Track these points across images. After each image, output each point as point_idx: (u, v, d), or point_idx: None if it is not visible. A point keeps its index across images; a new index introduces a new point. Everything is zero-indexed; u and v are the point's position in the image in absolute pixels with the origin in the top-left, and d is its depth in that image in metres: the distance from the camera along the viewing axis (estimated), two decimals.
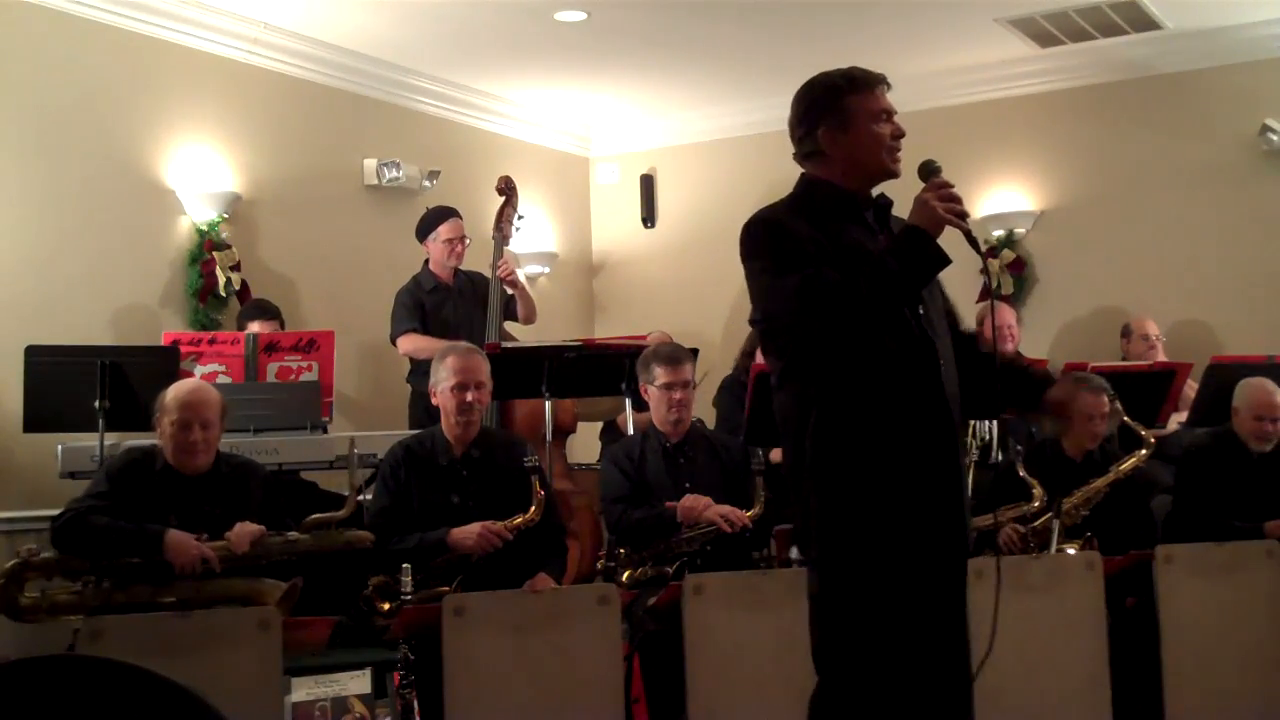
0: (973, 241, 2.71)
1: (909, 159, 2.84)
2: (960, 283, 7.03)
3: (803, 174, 2.89)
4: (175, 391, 3.86)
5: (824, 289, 2.60)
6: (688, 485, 4.41)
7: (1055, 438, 4.80)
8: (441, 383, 4.18)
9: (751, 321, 2.85)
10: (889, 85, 2.84)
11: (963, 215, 2.66)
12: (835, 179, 2.81)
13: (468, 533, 3.94)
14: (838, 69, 2.84)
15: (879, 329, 2.67)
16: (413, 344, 5.69)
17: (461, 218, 5.83)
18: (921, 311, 2.77)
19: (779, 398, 2.82)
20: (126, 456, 3.94)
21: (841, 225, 2.75)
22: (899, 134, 2.81)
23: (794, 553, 4.94)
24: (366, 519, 4.24)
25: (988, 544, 4.61)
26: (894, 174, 2.82)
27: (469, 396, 4.12)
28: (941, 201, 2.65)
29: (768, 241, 2.73)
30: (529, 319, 5.83)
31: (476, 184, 7.04)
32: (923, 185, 2.72)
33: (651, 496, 4.44)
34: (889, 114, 2.80)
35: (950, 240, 2.67)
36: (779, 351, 2.82)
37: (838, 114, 2.78)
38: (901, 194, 2.84)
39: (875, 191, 2.86)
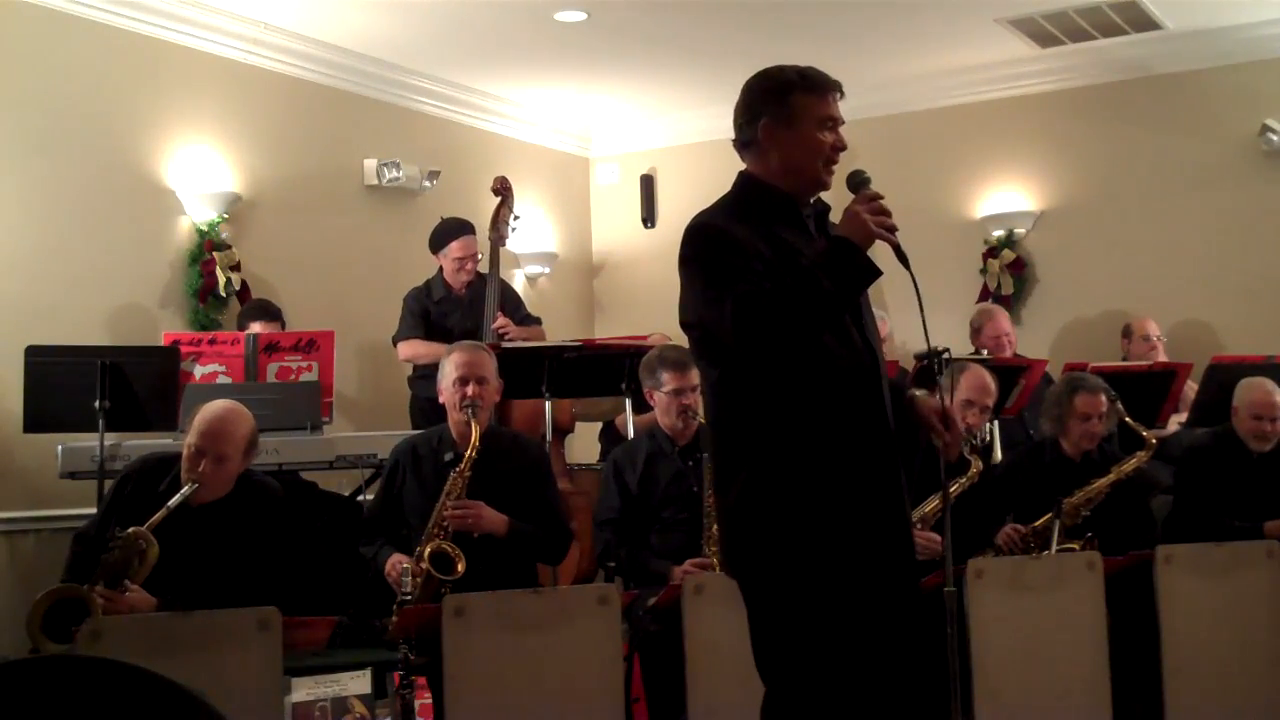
0: (901, 256, 2.65)
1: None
2: (960, 283, 7.11)
3: (740, 173, 2.82)
4: (203, 414, 3.78)
5: (757, 307, 2.54)
6: (696, 489, 4.40)
7: (1054, 438, 4.80)
8: (445, 378, 4.18)
9: (684, 324, 2.78)
10: (842, 94, 2.76)
11: (892, 229, 2.60)
12: (769, 177, 2.75)
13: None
14: (794, 65, 2.77)
15: (821, 341, 2.61)
16: (412, 350, 5.71)
17: (474, 233, 5.77)
18: (866, 319, 2.74)
19: (712, 404, 2.76)
20: (142, 464, 3.93)
21: (780, 230, 2.69)
22: (840, 146, 2.72)
23: None
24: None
25: (988, 542, 4.63)
26: (824, 185, 2.75)
27: (470, 390, 4.10)
28: (872, 214, 2.58)
29: (709, 249, 2.67)
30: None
31: (476, 184, 7.04)
32: (852, 196, 2.65)
33: (658, 504, 4.42)
34: (835, 122, 2.72)
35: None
36: (711, 359, 2.73)
37: (782, 109, 2.71)
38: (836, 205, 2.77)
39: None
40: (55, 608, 3.51)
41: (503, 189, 5.88)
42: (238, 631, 3.31)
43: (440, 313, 5.73)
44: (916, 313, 2.68)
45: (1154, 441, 4.79)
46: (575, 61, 6.85)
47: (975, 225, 7.20)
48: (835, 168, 2.74)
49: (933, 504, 4.35)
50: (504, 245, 5.85)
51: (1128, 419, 4.88)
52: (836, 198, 2.76)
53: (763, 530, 2.64)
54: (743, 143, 2.80)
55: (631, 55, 6.79)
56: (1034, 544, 4.57)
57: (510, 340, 5.42)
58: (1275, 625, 4.36)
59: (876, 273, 2.60)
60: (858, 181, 2.68)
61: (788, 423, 2.63)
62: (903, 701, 2.68)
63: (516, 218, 5.94)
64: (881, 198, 2.62)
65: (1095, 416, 4.69)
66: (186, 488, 3.68)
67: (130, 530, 3.61)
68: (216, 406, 3.83)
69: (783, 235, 2.68)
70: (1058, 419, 4.76)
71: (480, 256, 5.78)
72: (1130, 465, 4.74)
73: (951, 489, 4.39)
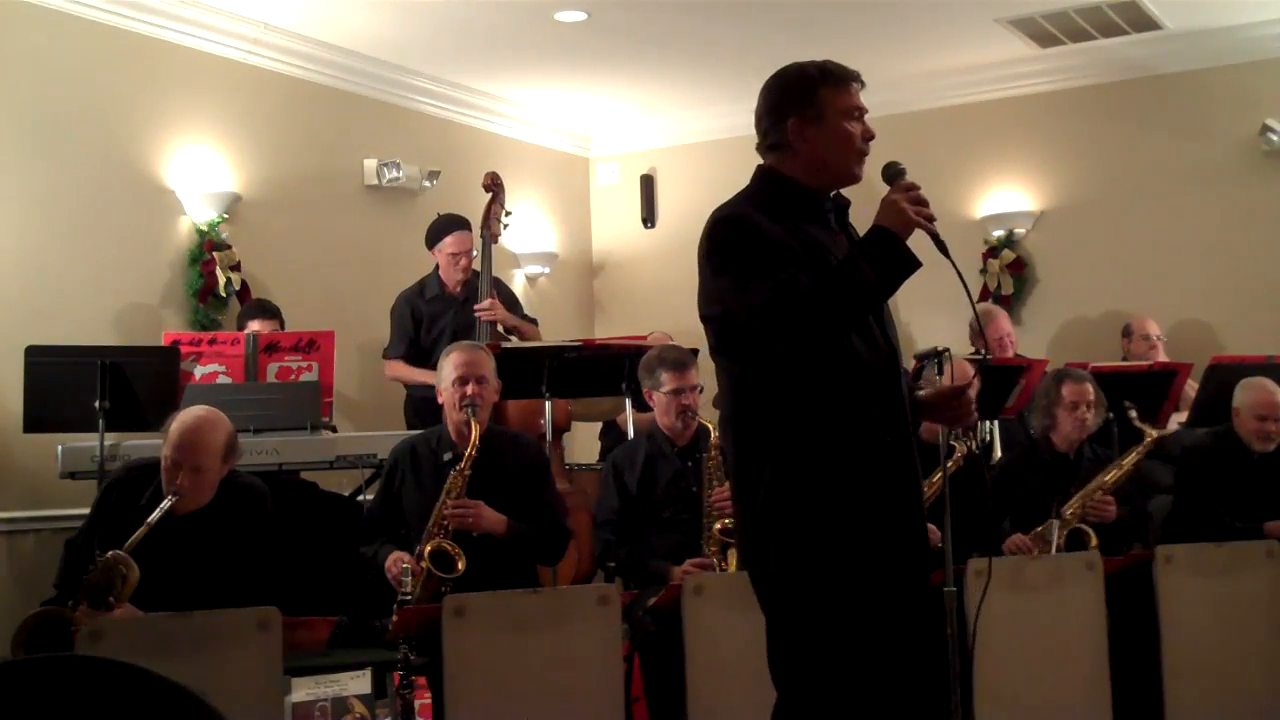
0: (940, 245, 2.62)
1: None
2: (958, 283, 7.09)
3: (759, 167, 2.78)
4: (177, 425, 3.70)
5: (797, 296, 2.49)
6: (695, 489, 4.40)
7: (1046, 435, 4.81)
8: (444, 379, 4.18)
9: (704, 318, 2.72)
10: (863, 83, 2.73)
11: (930, 218, 2.58)
12: (797, 175, 2.70)
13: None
14: (811, 60, 2.74)
15: (848, 335, 2.59)
16: (396, 372, 5.73)
17: (470, 229, 5.75)
18: (887, 319, 2.72)
19: (732, 400, 2.71)
20: (126, 473, 3.88)
21: (803, 224, 2.66)
22: (869, 135, 2.70)
23: None
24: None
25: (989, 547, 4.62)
26: (856, 178, 2.72)
27: (469, 390, 4.11)
28: (910, 204, 2.56)
29: (737, 240, 2.61)
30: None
31: (477, 184, 6.99)
32: (887, 187, 2.64)
33: (657, 505, 4.42)
34: (861, 112, 2.69)
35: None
36: (734, 354, 2.67)
37: (811, 106, 2.67)
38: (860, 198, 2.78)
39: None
40: (39, 629, 3.46)
41: (493, 185, 5.83)
42: (238, 631, 3.31)
43: (434, 311, 5.72)
44: (926, 310, 2.68)
45: (1153, 434, 4.79)
46: (575, 61, 6.85)
47: (975, 225, 7.20)
48: (866, 159, 2.72)
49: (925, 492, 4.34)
50: (497, 242, 5.84)
51: (1135, 420, 4.90)
52: (857, 193, 2.76)
53: (790, 535, 2.59)
54: (769, 145, 2.75)
55: (631, 55, 6.79)
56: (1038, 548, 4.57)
57: (494, 319, 5.46)
58: (1275, 625, 4.36)
59: (917, 263, 2.56)
60: (894, 172, 2.66)
61: (811, 421, 2.59)
62: (915, 709, 2.67)
63: (509, 213, 5.91)
64: (918, 187, 2.60)
65: (1083, 404, 4.71)
66: (166, 501, 3.61)
67: (109, 554, 3.52)
68: (189, 416, 3.74)
69: (806, 230, 2.66)
70: (1046, 410, 4.80)
71: (476, 253, 5.77)
72: (1131, 459, 4.75)
73: (935, 475, 4.37)
